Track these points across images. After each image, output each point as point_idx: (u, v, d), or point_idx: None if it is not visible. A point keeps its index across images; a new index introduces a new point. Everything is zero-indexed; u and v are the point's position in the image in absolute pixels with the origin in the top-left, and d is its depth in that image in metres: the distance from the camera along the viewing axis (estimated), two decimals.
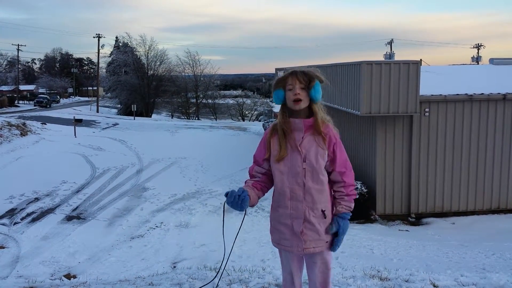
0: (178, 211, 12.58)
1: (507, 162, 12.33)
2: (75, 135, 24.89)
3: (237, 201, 2.58)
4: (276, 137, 2.74)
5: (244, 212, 2.66)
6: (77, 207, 12.78)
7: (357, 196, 2.80)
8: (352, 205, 2.77)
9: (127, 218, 11.90)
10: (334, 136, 2.70)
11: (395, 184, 12.26)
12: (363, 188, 12.07)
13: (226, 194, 2.62)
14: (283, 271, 2.97)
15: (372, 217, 12.12)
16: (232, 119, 56.74)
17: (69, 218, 11.87)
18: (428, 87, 12.00)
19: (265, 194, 2.88)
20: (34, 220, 11.63)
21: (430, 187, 12.27)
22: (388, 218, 12.22)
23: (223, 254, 3.12)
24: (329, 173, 2.75)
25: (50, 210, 12.46)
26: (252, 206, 2.74)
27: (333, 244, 2.75)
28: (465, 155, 12.21)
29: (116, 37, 60.27)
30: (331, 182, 2.77)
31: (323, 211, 2.70)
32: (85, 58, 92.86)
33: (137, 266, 8.47)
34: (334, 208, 2.76)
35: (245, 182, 2.85)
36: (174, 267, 8.22)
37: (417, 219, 12.21)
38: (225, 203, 2.63)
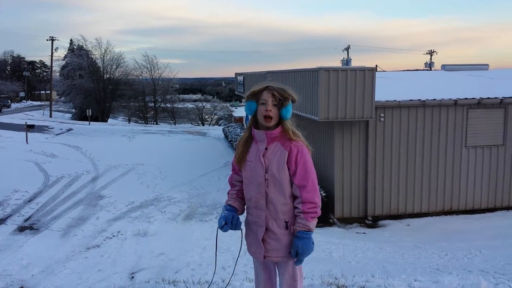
0: (136, 219, 12.34)
1: (458, 164, 12.82)
2: (27, 141, 24.01)
3: (233, 228, 2.81)
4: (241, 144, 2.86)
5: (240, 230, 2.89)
6: (29, 217, 12.32)
7: (319, 214, 2.76)
8: (310, 224, 2.66)
9: (82, 228, 11.57)
10: (297, 148, 2.69)
11: (353, 187, 12.50)
12: (321, 192, 12.25)
13: (221, 226, 2.77)
14: (255, 278, 3.02)
15: (330, 220, 12.31)
16: (191, 123, 56.30)
17: (21, 229, 11.43)
18: (383, 92, 12.31)
19: None
20: None
21: (385, 190, 12.59)
22: (346, 221, 12.45)
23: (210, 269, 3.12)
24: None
25: (1, 221, 11.95)
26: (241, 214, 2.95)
27: (296, 260, 2.74)
28: (418, 159, 12.61)
29: (71, 40, 58.68)
30: (293, 197, 2.74)
31: (286, 222, 2.71)
32: (37, 61, 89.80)
33: (93, 277, 8.23)
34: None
35: (228, 193, 2.96)
36: (132, 277, 8.05)
37: (374, 222, 12.50)
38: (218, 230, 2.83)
